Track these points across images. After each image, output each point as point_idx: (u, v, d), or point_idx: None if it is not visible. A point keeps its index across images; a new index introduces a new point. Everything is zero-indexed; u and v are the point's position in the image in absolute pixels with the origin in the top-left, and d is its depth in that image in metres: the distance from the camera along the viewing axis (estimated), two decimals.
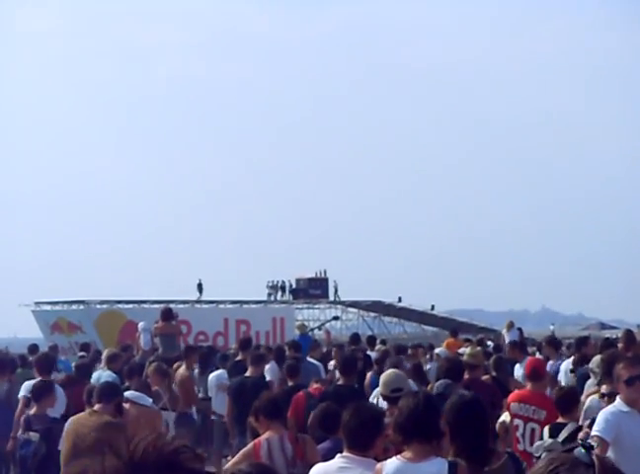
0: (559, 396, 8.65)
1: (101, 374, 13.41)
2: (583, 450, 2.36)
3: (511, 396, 9.65)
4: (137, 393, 9.70)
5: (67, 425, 8.60)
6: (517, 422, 9.25)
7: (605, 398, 8.35)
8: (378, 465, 5.69)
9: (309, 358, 15.31)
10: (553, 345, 16.02)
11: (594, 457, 2.35)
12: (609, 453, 7.03)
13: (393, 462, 5.63)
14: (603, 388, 8.72)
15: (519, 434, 9.20)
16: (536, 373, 9.62)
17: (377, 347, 19.53)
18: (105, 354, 14.81)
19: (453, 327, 27.55)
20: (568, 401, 8.50)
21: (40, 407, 10.05)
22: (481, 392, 10.33)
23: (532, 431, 9.07)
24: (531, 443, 8.89)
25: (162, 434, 2.21)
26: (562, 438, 7.87)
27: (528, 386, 9.64)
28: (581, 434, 7.28)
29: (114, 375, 13.63)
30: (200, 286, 54.42)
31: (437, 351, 17.58)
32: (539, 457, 7.92)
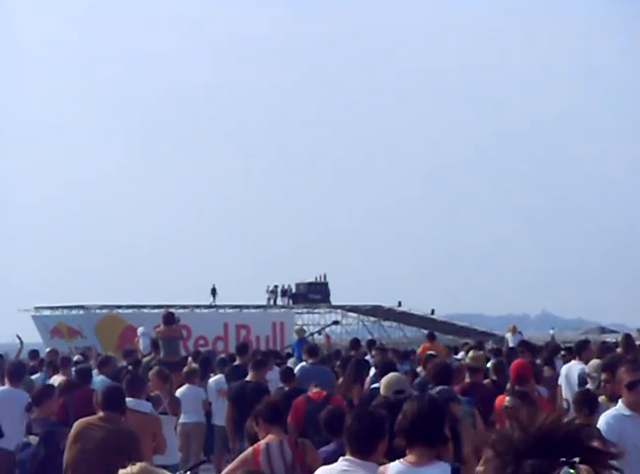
0: (579, 399, 8.59)
1: (94, 379, 13.41)
2: (571, 470, 2.24)
3: (502, 399, 9.61)
4: (137, 400, 9.68)
5: (75, 427, 8.58)
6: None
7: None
8: (381, 468, 5.68)
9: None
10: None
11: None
12: None
13: (396, 466, 5.60)
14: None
15: None
16: (522, 377, 9.61)
17: (374, 351, 19.53)
18: (96, 358, 14.86)
19: (431, 331, 27.44)
20: (588, 404, 8.45)
21: (42, 411, 10.05)
22: (482, 396, 10.34)
23: None
24: None
25: (564, 413, 2.49)
26: None
27: (517, 388, 9.62)
28: None
29: (107, 380, 13.63)
30: (213, 291, 54.46)
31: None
32: None
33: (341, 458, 5.86)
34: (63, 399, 11.94)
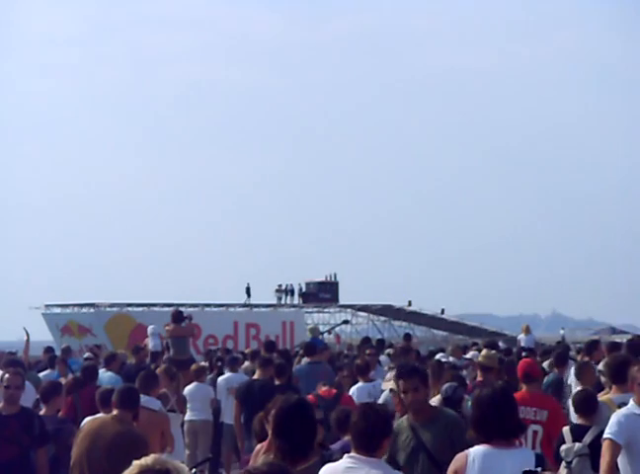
0: (579, 398, 8.56)
1: (102, 376, 13.38)
2: None
3: None
4: (147, 397, 9.65)
5: (85, 424, 8.55)
6: None
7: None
8: (463, 453, 5.82)
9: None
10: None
11: None
12: (621, 456, 6.97)
13: (479, 449, 5.75)
14: (613, 391, 8.65)
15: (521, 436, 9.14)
16: (529, 375, 9.57)
17: (387, 350, 19.50)
18: (103, 355, 14.83)
19: (407, 333, 27.32)
20: (588, 403, 8.41)
21: (49, 408, 10.04)
22: None
23: (535, 433, 9.00)
24: (534, 446, 8.84)
25: None
26: (588, 442, 7.83)
27: (524, 388, 9.57)
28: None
29: (116, 377, 13.61)
30: (248, 290, 54.46)
31: (437, 356, 17.54)
32: (570, 462, 7.85)
33: (346, 455, 5.85)
34: (71, 396, 11.92)
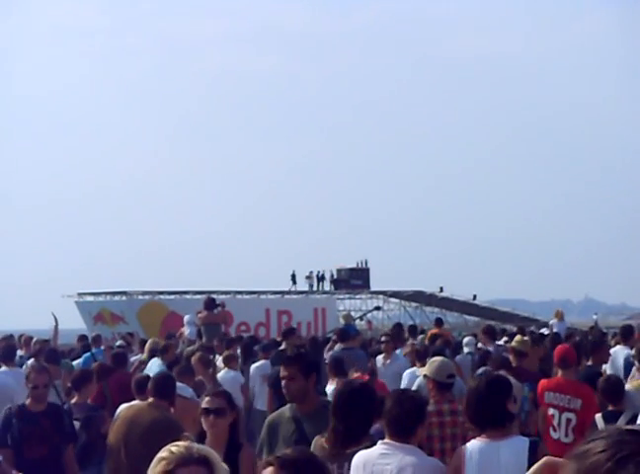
0: (608, 385, 8.51)
1: (152, 364, 13.38)
2: None
3: (543, 384, 9.52)
4: (179, 384, 9.66)
5: (122, 411, 8.60)
6: (552, 411, 9.14)
7: None
8: (460, 449, 5.91)
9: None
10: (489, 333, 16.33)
11: None
12: None
13: (474, 443, 5.80)
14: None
15: (554, 423, 9.09)
16: (566, 361, 9.52)
17: (419, 336, 19.44)
18: (155, 344, 14.82)
19: (439, 317, 27.24)
20: (617, 390, 8.37)
21: (81, 396, 10.09)
22: (527, 381, 10.26)
23: (568, 420, 8.97)
24: (567, 433, 8.81)
25: None
26: None
27: (559, 374, 9.52)
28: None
29: (164, 367, 13.63)
30: (293, 277, 54.54)
31: (465, 340, 17.47)
32: None
33: (379, 442, 5.84)
34: (100, 384, 11.97)
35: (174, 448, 3.13)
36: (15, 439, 8.48)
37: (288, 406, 6.93)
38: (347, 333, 15.16)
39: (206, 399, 6.64)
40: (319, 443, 6.59)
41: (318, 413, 6.67)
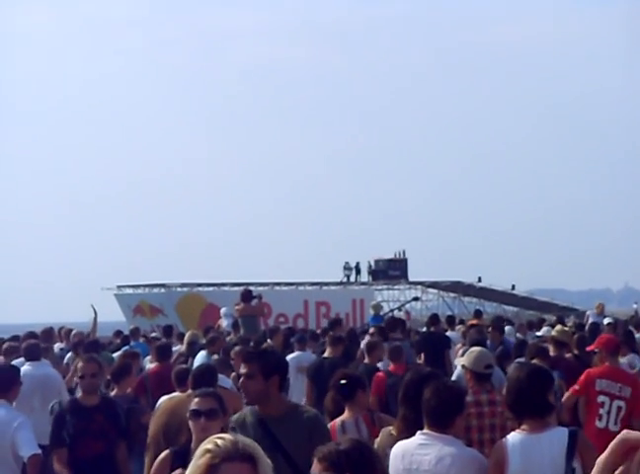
0: None
1: (199, 357, 13.42)
2: None
3: (595, 372, 9.48)
4: (220, 375, 9.71)
5: (162, 403, 8.63)
6: (602, 398, 9.10)
7: None
8: (500, 442, 5.92)
9: None
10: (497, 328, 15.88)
11: None
12: None
13: (515, 436, 5.79)
14: None
15: (603, 411, 9.05)
16: (615, 350, 9.51)
17: (458, 327, 19.42)
18: (194, 336, 14.90)
19: (478, 309, 27.13)
20: None
21: (120, 388, 10.15)
22: (566, 369, 10.25)
23: (619, 408, 8.93)
24: (616, 421, 8.77)
25: None
26: None
27: (608, 362, 9.48)
28: None
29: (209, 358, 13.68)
30: (357, 269, 54.65)
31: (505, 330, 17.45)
32: None
33: (418, 432, 5.85)
34: (141, 376, 12.04)
35: (220, 441, 3.03)
36: (69, 437, 8.07)
37: (249, 409, 6.28)
38: (396, 324, 15.21)
39: (195, 400, 5.81)
40: (387, 431, 6.63)
41: (287, 417, 6.04)
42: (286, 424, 5.92)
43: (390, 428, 6.26)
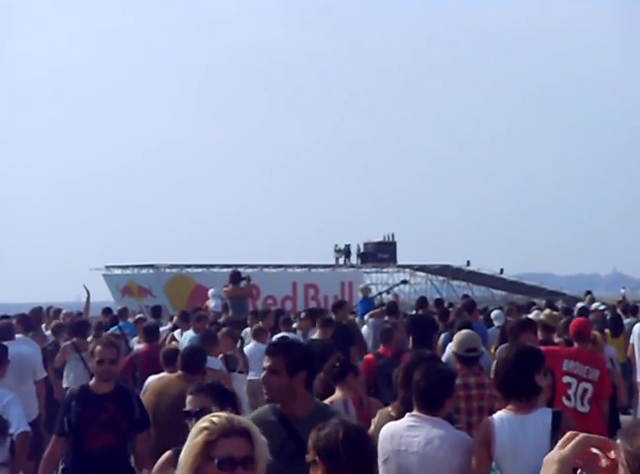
0: None
1: (185, 335, 13.49)
2: None
3: (564, 352, 9.52)
4: (208, 357, 9.73)
5: (151, 383, 8.62)
6: (568, 379, 9.14)
7: None
8: (486, 419, 5.96)
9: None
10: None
11: None
12: None
13: (501, 415, 5.83)
14: None
15: (570, 392, 9.09)
16: (582, 334, 9.63)
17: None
18: (192, 315, 14.96)
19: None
20: None
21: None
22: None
23: (585, 390, 9.00)
24: (582, 403, 8.86)
25: None
26: None
27: (576, 345, 9.56)
28: None
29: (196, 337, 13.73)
30: (347, 252, 54.75)
31: (493, 314, 17.46)
32: None
33: (407, 414, 5.87)
34: (130, 356, 12.07)
35: (215, 419, 3.11)
36: (72, 426, 7.44)
37: (268, 407, 5.54)
38: (395, 308, 15.38)
39: (188, 398, 5.26)
40: (385, 412, 6.66)
41: (315, 416, 5.10)
42: (314, 425, 4.61)
43: (389, 409, 6.29)
